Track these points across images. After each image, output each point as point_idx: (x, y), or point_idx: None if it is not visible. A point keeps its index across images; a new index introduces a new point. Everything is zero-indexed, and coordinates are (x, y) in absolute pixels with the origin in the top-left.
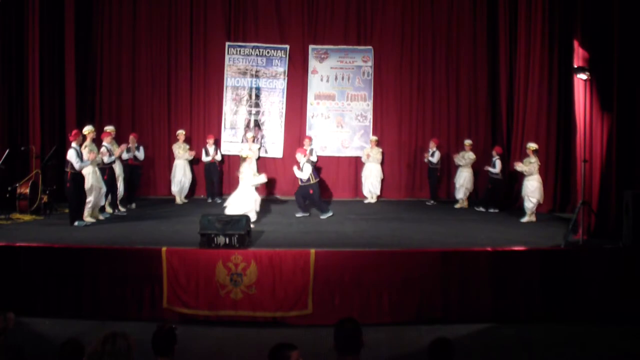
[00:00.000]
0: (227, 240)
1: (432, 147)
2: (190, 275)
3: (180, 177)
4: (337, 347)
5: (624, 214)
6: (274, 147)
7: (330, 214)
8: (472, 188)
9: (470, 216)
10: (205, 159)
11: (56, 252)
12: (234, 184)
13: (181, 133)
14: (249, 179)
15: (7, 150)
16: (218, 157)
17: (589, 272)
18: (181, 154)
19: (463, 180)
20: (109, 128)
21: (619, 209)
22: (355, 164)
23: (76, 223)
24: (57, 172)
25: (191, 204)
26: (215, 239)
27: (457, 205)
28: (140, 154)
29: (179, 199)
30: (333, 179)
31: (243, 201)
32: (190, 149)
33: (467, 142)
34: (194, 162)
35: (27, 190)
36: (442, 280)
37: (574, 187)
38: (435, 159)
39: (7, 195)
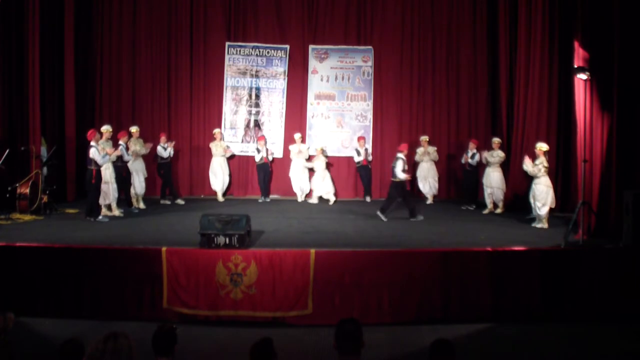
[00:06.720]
0: (227, 240)
1: (472, 148)
2: (190, 275)
3: (219, 175)
4: (337, 347)
5: (624, 214)
6: (274, 147)
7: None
8: (505, 189)
9: (470, 216)
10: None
11: (56, 252)
12: (236, 183)
13: (217, 132)
14: None
15: (7, 150)
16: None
17: (589, 272)
18: (218, 152)
19: (496, 182)
20: (133, 128)
21: (619, 209)
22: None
23: (93, 218)
24: (57, 172)
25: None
26: (215, 239)
27: (486, 211)
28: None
29: (220, 197)
30: (333, 179)
31: None
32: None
33: (496, 140)
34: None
35: (27, 190)
36: (442, 280)
37: (574, 187)
38: (475, 161)
39: (7, 195)
